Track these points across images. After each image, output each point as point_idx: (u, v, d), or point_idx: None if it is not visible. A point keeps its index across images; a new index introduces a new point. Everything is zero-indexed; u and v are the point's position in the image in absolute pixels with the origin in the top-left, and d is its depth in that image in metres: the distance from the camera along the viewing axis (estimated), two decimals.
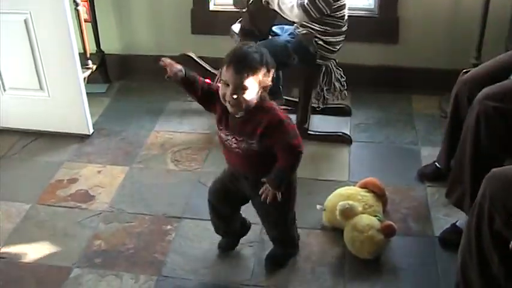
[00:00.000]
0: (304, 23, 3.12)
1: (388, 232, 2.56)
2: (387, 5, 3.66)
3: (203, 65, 3.69)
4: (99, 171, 3.15)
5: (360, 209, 2.62)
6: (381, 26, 3.72)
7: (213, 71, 3.58)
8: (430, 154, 3.16)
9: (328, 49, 3.16)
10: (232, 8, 3.38)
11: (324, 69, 3.25)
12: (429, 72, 3.75)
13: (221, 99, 2.10)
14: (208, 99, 2.24)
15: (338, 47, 3.21)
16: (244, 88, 2.04)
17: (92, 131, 3.49)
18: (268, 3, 3.15)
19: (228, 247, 2.63)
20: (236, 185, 2.38)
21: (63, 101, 3.38)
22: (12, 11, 3.20)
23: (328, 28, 3.10)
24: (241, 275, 2.51)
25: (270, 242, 2.61)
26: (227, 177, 2.41)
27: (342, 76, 3.33)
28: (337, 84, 3.31)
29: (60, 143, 3.43)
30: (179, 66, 2.23)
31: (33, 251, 2.69)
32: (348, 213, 2.59)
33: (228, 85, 2.04)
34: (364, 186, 2.76)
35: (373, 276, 2.51)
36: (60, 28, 3.19)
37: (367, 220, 2.57)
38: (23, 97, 3.44)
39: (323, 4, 2.98)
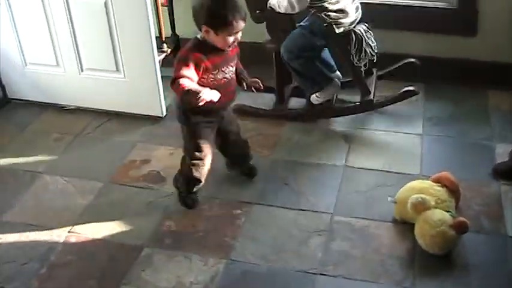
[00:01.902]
0: (310, 5, 3.15)
1: (461, 228, 2.51)
2: None
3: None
4: (171, 154, 3.19)
5: (433, 203, 2.57)
6: (459, 18, 3.63)
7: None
8: (505, 151, 3.06)
9: (340, 16, 3.15)
10: None
11: (353, 36, 3.21)
12: (507, 67, 3.63)
13: (226, 47, 2.53)
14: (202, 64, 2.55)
15: (351, 9, 3.18)
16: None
17: (165, 113, 3.54)
18: (272, 9, 3.22)
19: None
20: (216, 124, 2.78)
21: (139, 83, 3.44)
22: None
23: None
24: (308, 263, 2.51)
25: (338, 231, 2.65)
26: (210, 125, 2.75)
27: (372, 41, 3.27)
28: (368, 50, 3.25)
29: (133, 124, 3.50)
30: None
31: (106, 228, 2.75)
32: (420, 207, 2.56)
33: (236, 33, 2.49)
34: (437, 181, 2.72)
35: (444, 272, 2.47)
36: (138, 11, 3.24)
37: (439, 215, 2.53)
38: (99, 78, 3.52)
39: None
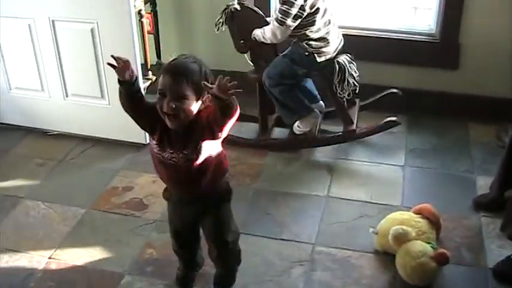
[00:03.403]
0: (291, 34, 3.20)
1: (441, 260, 2.52)
2: (449, 31, 3.62)
3: (245, 114, 3.72)
4: (153, 181, 3.18)
5: (414, 234, 2.59)
6: (442, 51, 3.69)
7: (252, 114, 3.63)
8: (486, 183, 3.09)
9: (321, 45, 3.20)
10: None
11: (337, 67, 3.24)
12: (488, 101, 3.69)
13: (160, 112, 2.02)
14: (149, 115, 2.10)
15: (331, 38, 3.22)
16: (184, 97, 1.99)
17: (148, 140, 3.53)
18: (255, 39, 3.29)
19: (187, 280, 2.55)
20: (186, 211, 2.33)
21: (122, 110, 3.43)
22: (80, 20, 3.30)
23: (307, 28, 3.15)
24: None
25: (320, 261, 2.64)
26: (177, 208, 2.36)
27: (355, 71, 3.31)
28: (350, 80, 3.29)
29: (117, 151, 3.50)
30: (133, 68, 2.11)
31: (87, 255, 2.74)
32: (401, 238, 2.57)
33: (165, 95, 2.00)
34: (418, 212, 2.74)
35: None
36: (125, 39, 3.26)
37: (420, 247, 2.54)
38: (84, 104, 3.53)
39: (290, 9, 3.06)
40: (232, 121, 2.02)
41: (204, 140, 2.09)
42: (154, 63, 3.92)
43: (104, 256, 2.74)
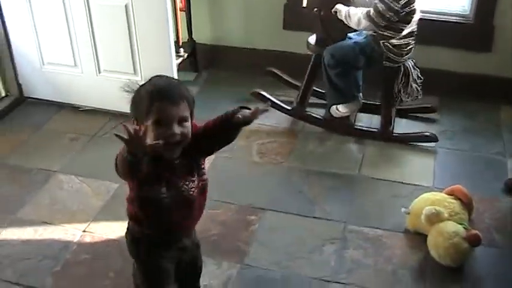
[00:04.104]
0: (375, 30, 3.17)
1: (474, 241, 2.53)
2: (484, 13, 3.59)
3: (287, 79, 3.78)
4: None
5: (446, 215, 2.60)
6: (475, 33, 3.66)
7: (297, 83, 3.66)
8: None
9: (396, 52, 3.18)
10: None
11: (402, 70, 3.24)
12: None
13: (154, 144, 1.70)
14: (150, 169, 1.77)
15: (407, 48, 3.21)
16: (185, 120, 1.77)
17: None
18: (336, 13, 3.23)
19: None
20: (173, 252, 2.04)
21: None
22: None
23: (391, 32, 3.13)
24: (322, 270, 2.53)
25: (351, 240, 2.68)
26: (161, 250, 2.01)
27: (419, 77, 3.31)
28: (414, 85, 3.29)
29: None
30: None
31: (120, 229, 2.75)
32: (434, 218, 2.58)
33: (161, 124, 1.72)
34: (451, 193, 2.74)
35: (455, 284, 2.49)
36: (158, 15, 3.26)
37: (452, 227, 2.55)
38: (116, 80, 3.54)
39: (390, 14, 3.03)
40: None
41: (204, 158, 1.95)
42: (186, 41, 3.94)
43: None
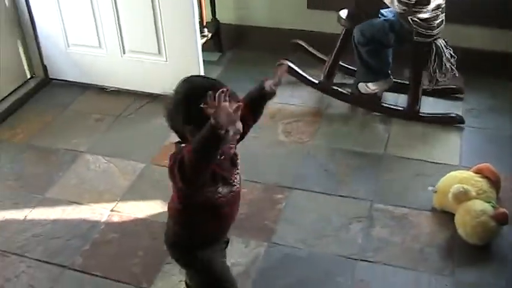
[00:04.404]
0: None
1: (502, 219, 2.51)
2: None
3: (314, 52, 3.76)
4: None
5: (474, 193, 2.58)
6: (501, 10, 3.60)
7: (324, 57, 3.64)
8: None
9: (425, 26, 3.14)
10: None
11: (434, 49, 3.21)
12: None
13: (239, 127, 1.72)
14: None
15: (436, 23, 3.16)
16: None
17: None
18: None
19: None
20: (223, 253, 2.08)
21: (180, 67, 3.46)
22: None
23: (419, 7, 3.08)
24: (348, 248, 2.53)
25: (378, 218, 2.68)
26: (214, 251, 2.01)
27: (452, 56, 3.28)
28: (448, 65, 3.26)
29: None
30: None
31: (148, 208, 2.80)
32: (461, 197, 2.56)
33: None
34: (478, 172, 2.72)
35: (482, 263, 2.48)
36: None
37: (480, 205, 2.54)
38: (141, 60, 3.55)
39: None
40: None
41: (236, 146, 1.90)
42: (210, 21, 3.93)
43: (164, 209, 2.76)
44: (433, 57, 3.22)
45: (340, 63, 3.58)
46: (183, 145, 1.77)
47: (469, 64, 3.56)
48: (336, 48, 3.48)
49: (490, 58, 3.69)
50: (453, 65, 3.28)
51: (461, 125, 3.30)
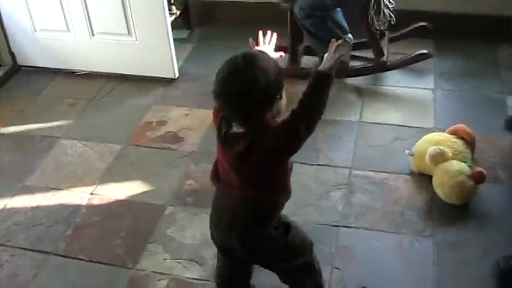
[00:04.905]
0: None
1: (479, 178, 2.55)
2: None
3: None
4: (186, 114, 3.22)
5: (450, 154, 2.61)
6: None
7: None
8: None
9: None
10: None
11: None
12: None
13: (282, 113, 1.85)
14: None
15: None
16: None
17: (177, 75, 3.55)
18: None
19: None
20: None
21: (150, 46, 3.44)
22: None
23: None
24: (330, 216, 2.56)
25: (357, 184, 2.70)
26: None
27: (390, 2, 3.29)
28: (386, 11, 3.27)
29: (146, 87, 3.52)
30: None
31: (127, 189, 2.80)
32: (438, 158, 2.60)
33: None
34: (453, 133, 2.75)
35: (462, 222, 2.52)
36: None
37: (457, 166, 2.57)
38: (110, 42, 3.52)
39: None
40: None
41: None
42: None
43: (145, 189, 2.79)
44: (371, 5, 3.23)
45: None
46: (239, 131, 1.78)
47: (439, 27, 3.59)
48: (288, 33, 3.47)
49: (459, 21, 3.70)
50: (391, 12, 3.28)
51: (435, 89, 3.33)
